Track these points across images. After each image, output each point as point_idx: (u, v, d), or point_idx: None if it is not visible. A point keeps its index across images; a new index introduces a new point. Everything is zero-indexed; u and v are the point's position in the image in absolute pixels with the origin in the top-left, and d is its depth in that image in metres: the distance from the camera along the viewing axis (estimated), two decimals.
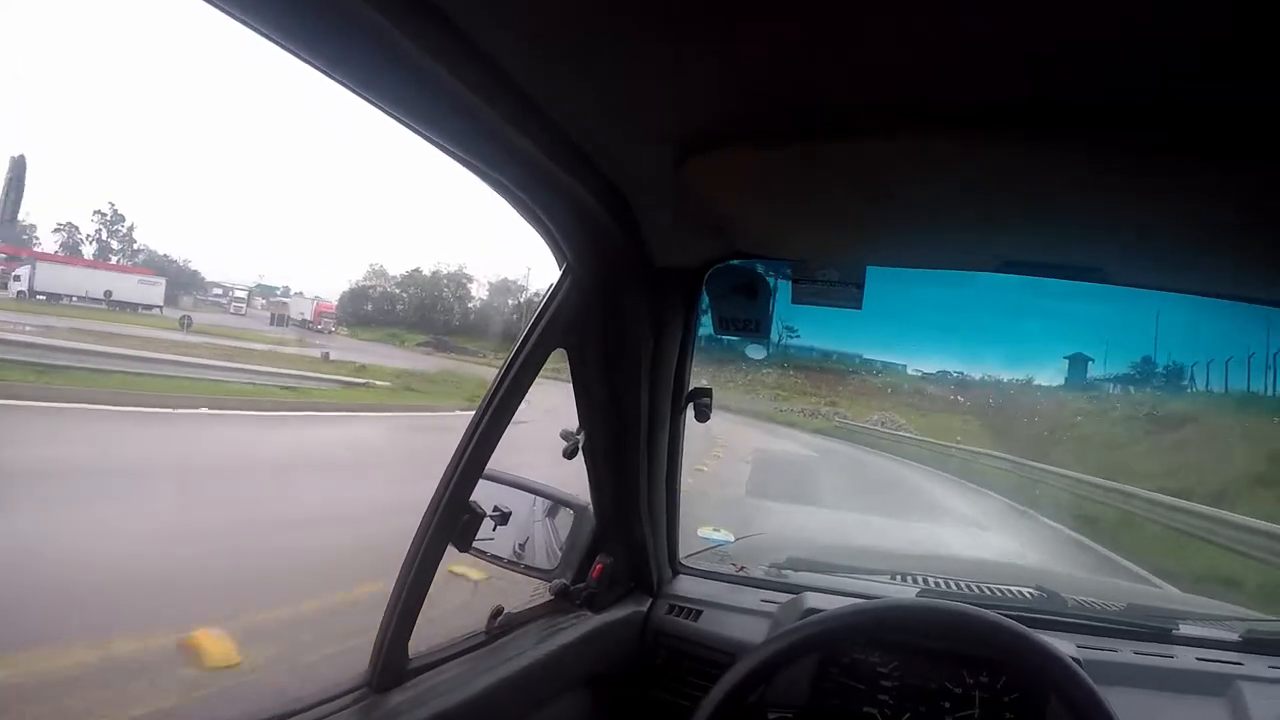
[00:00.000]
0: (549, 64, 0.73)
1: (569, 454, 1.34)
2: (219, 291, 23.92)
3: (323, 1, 0.57)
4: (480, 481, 1.18)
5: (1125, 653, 1.44)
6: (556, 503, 1.55)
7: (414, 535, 1.12)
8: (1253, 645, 1.48)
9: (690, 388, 1.49)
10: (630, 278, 1.27)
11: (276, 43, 0.61)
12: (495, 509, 1.30)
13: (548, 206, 1.05)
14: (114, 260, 21.91)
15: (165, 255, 23.19)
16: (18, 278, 18.79)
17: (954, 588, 1.73)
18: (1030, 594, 1.69)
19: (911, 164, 0.87)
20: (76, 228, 21.99)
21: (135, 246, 22.92)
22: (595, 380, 1.36)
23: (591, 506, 1.52)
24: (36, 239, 21.20)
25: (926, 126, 0.77)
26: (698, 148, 0.89)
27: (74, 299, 18.64)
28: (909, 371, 12.54)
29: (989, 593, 1.72)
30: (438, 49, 0.65)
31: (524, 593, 1.53)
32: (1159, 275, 1.19)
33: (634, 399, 1.40)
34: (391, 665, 1.09)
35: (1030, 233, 1.06)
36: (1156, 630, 1.51)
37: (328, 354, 15.81)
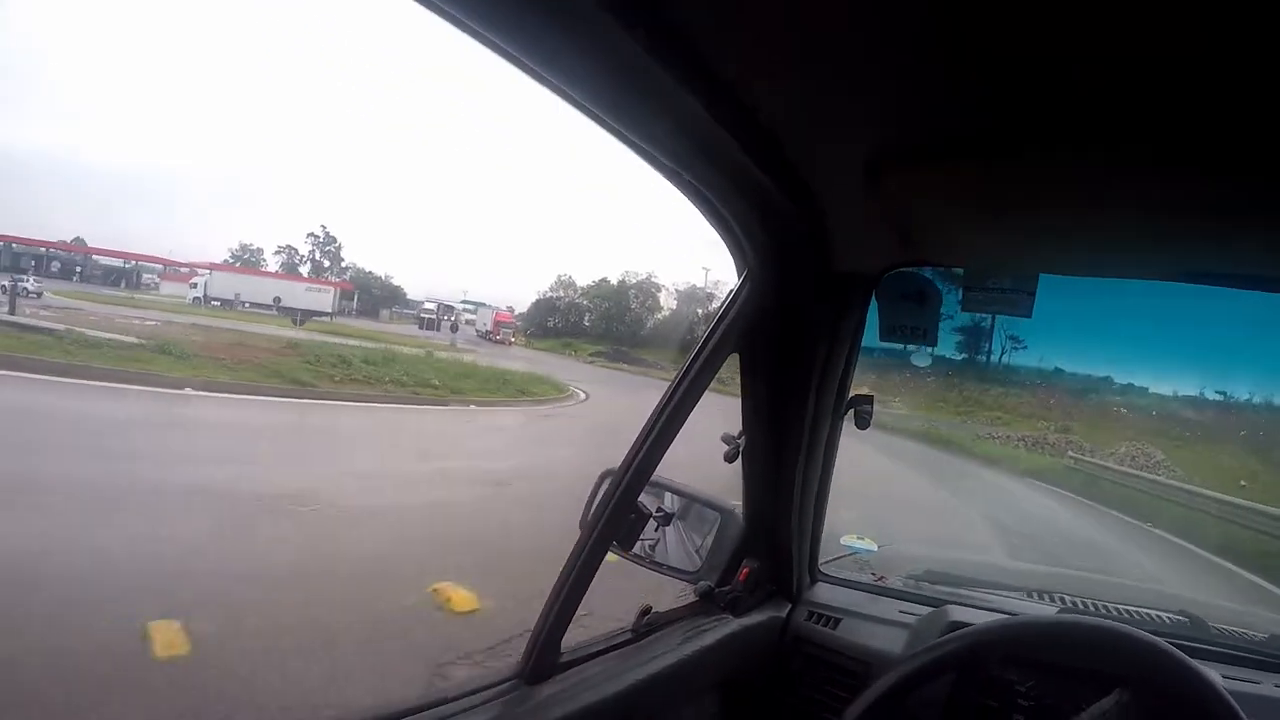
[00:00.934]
0: (756, 59, 0.74)
1: (729, 457, 1.36)
2: (430, 306, 26.42)
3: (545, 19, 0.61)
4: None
5: (1268, 685, 1.37)
6: (704, 505, 1.57)
7: (579, 535, 1.17)
8: None
9: (851, 394, 1.48)
10: (809, 281, 1.28)
11: (477, 34, 0.64)
12: (659, 510, 1.33)
13: (733, 205, 1.07)
14: (329, 277, 25.35)
15: (369, 272, 26.87)
16: (194, 285, 21.58)
17: (1093, 608, 1.67)
18: (1172, 618, 1.61)
19: (1092, 180, 0.87)
20: (295, 249, 25.88)
21: (343, 264, 26.47)
22: (764, 384, 1.36)
23: (740, 510, 1.53)
24: (263, 260, 25.48)
25: (1107, 144, 0.77)
26: (889, 154, 0.90)
27: (246, 305, 20.84)
28: (1152, 392, 8.80)
29: (1130, 615, 1.64)
30: (643, 37, 0.66)
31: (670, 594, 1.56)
32: None
33: (800, 404, 1.40)
34: (545, 658, 1.13)
35: (1215, 245, 1.02)
36: None
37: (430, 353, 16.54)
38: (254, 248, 25.44)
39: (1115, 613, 1.65)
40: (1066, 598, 1.70)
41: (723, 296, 1.24)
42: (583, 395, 16.24)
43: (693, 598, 1.50)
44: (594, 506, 1.22)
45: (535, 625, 1.14)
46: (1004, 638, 1.22)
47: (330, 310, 21.82)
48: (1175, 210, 0.92)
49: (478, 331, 24.53)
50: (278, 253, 25.68)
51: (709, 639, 1.42)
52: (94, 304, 15.85)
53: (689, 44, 0.69)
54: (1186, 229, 0.98)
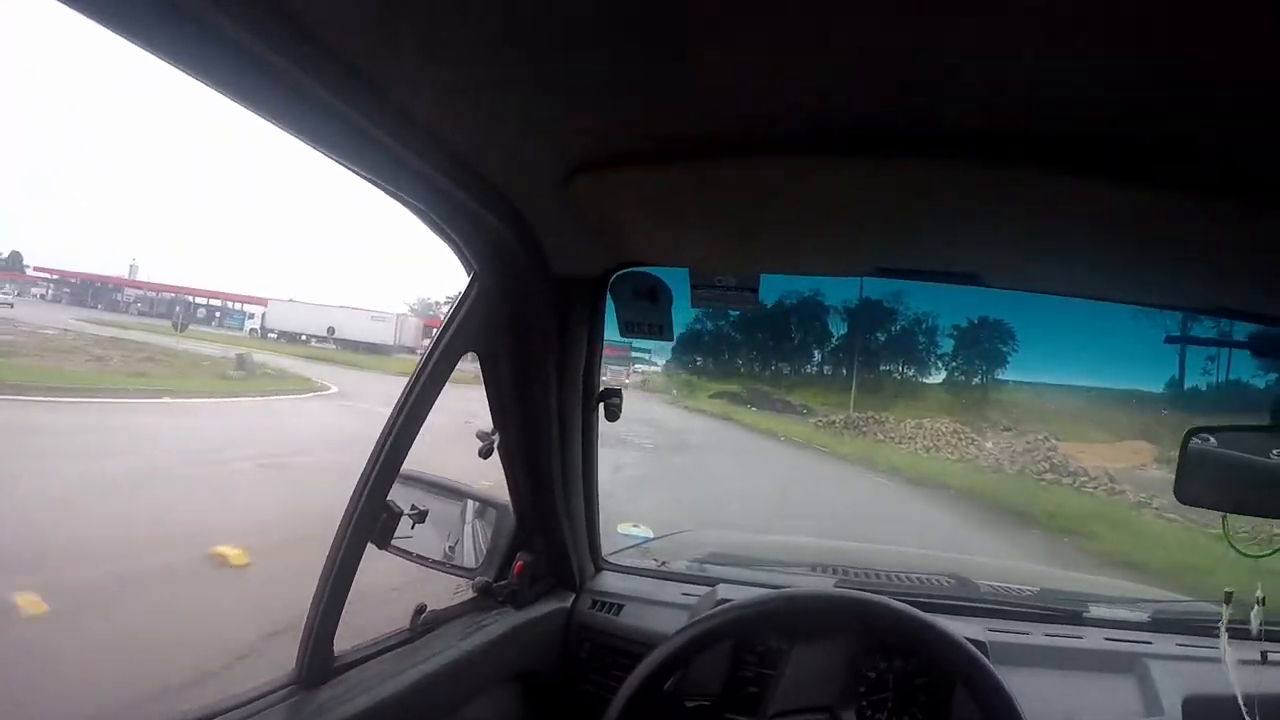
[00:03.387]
0: (436, 89, 0.78)
1: (484, 454, 1.39)
2: None
3: (238, 46, 0.63)
4: (399, 482, 1.22)
5: (1036, 635, 1.51)
6: (477, 502, 1.59)
7: (335, 534, 1.15)
8: (1161, 625, 1.56)
9: (600, 389, 1.55)
10: (533, 285, 1.32)
11: (213, 86, 0.66)
12: (413, 507, 1.34)
13: (450, 220, 1.11)
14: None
15: None
16: (251, 316, 19.85)
17: (870, 578, 1.81)
18: (944, 581, 1.77)
19: (787, 181, 0.92)
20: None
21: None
22: (506, 383, 1.40)
23: (511, 505, 1.56)
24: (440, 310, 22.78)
25: (798, 147, 0.83)
26: (585, 165, 0.95)
27: (305, 337, 19.72)
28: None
29: (904, 581, 1.79)
30: (330, 79, 0.71)
31: (446, 591, 1.58)
32: (1030, 279, 1.27)
33: (544, 400, 1.44)
34: (318, 661, 1.11)
35: (903, 242, 1.13)
36: (1067, 613, 1.59)
37: None
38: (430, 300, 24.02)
39: (890, 580, 1.80)
40: (847, 570, 1.83)
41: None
42: None
43: (472, 594, 1.51)
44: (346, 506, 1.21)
45: (304, 627, 1.12)
46: (756, 613, 1.28)
47: (391, 341, 19.93)
48: (859, 209, 0.98)
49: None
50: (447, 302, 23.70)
51: (491, 633, 1.43)
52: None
53: (357, 74, 0.74)
54: (874, 227, 1.06)
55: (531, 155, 0.96)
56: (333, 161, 0.87)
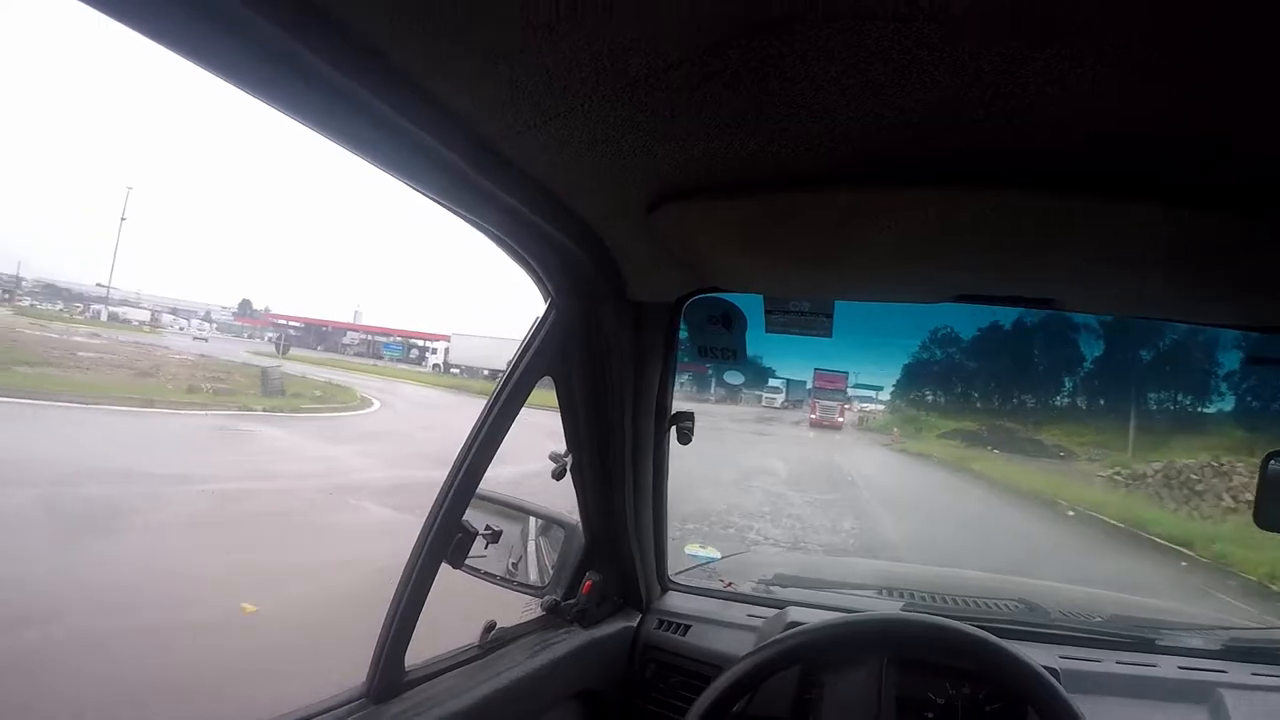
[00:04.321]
0: (524, 124, 0.80)
1: (557, 475, 1.41)
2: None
3: (328, 83, 0.65)
4: (473, 502, 1.24)
5: (1108, 663, 1.46)
6: (548, 521, 1.61)
7: (410, 553, 1.18)
8: (1235, 653, 1.50)
9: (673, 412, 1.55)
10: (609, 310, 1.34)
11: (286, 112, 0.68)
12: (487, 528, 1.37)
13: (530, 248, 1.13)
14: None
15: None
16: (434, 351, 19.78)
17: (938, 602, 1.76)
18: (1014, 606, 1.73)
19: (866, 211, 0.92)
20: None
21: None
22: (580, 405, 1.41)
23: (581, 525, 1.57)
24: None
25: (877, 179, 0.84)
26: (668, 195, 0.96)
27: (486, 372, 19.61)
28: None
29: (973, 606, 1.75)
30: (419, 116, 0.74)
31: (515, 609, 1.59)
32: (1104, 303, 1.27)
33: (618, 423, 1.45)
34: (388, 677, 1.14)
35: (983, 270, 1.12)
36: (1139, 640, 1.54)
37: None
38: None
39: (958, 604, 1.76)
40: (915, 594, 1.79)
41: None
42: None
43: (540, 612, 1.53)
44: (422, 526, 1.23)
45: (376, 644, 1.14)
46: (828, 637, 1.28)
47: None
48: (938, 239, 0.98)
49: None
50: None
51: (558, 651, 1.44)
52: None
53: (447, 113, 0.76)
54: (952, 256, 1.06)
55: (617, 186, 0.97)
56: (418, 193, 0.90)
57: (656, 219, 1.01)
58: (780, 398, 16.36)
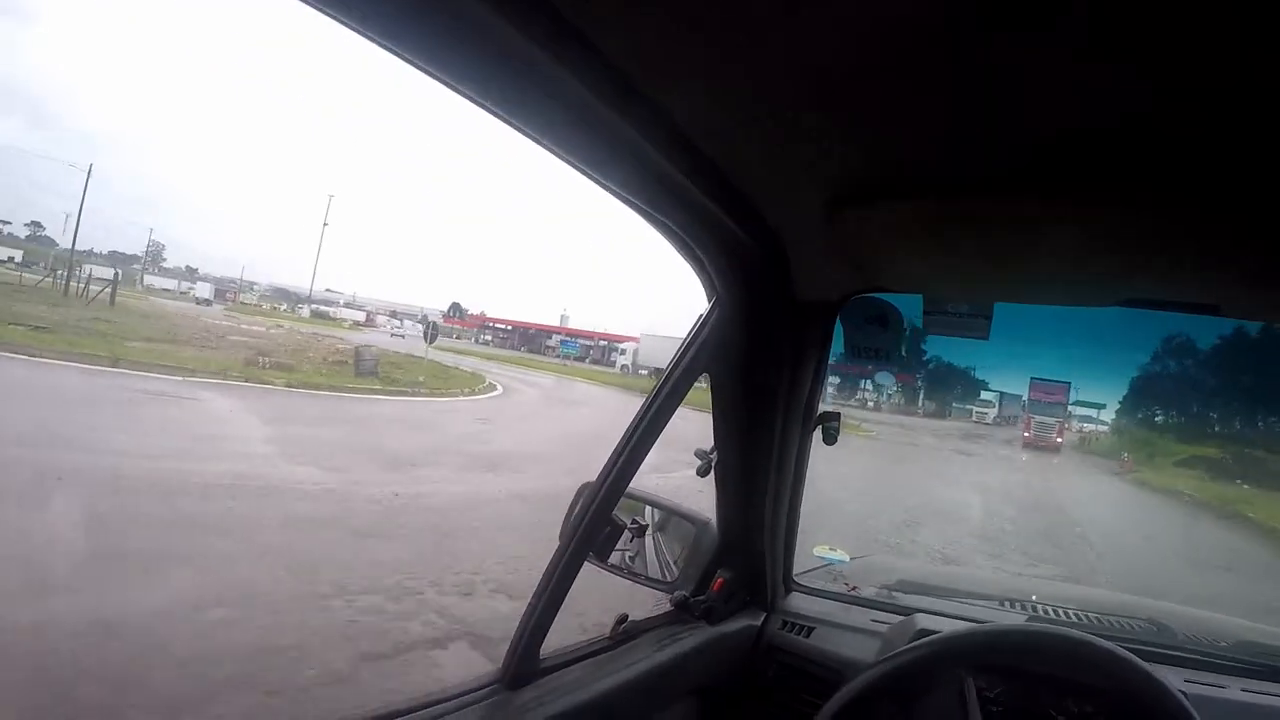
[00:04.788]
0: (721, 124, 0.81)
1: (702, 472, 1.41)
2: None
3: (515, 69, 0.65)
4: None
5: (1234, 690, 1.40)
6: (680, 517, 1.61)
7: (557, 545, 1.20)
8: None
9: (820, 412, 1.53)
10: (773, 310, 1.34)
11: (468, 97, 0.69)
12: (634, 521, 1.38)
13: (705, 245, 1.13)
14: None
15: None
16: (622, 352, 21.34)
17: (1063, 616, 1.70)
18: (1140, 625, 1.66)
19: (1035, 215, 0.93)
20: None
21: None
22: (733, 404, 1.41)
23: (715, 522, 1.57)
24: None
25: (1051, 185, 0.84)
26: (846, 198, 0.96)
27: (645, 371, 20.30)
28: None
29: (1098, 622, 1.69)
30: (624, 109, 0.74)
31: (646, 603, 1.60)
32: (1267, 310, 1.24)
33: (768, 423, 1.45)
34: (524, 665, 1.17)
35: (1149, 275, 1.09)
36: (1269, 669, 1.46)
37: None
38: None
39: (1083, 620, 1.69)
40: (1038, 606, 1.73)
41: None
42: None
43: (669, 607, 1.54)
44: (571, 518, 1.25)
45: (515, 632, 1.17)
46: (969, 645, 1.26)
47: None
48: (1111, 243, 0.97)
49: None
50: None
51: (684, 646, 1.45)
52: None
53: (652, 105, 0.76)
54: (1123, 260, 1.04)
55: (797, 183, 0.97)
56: (607, 189, 0.90)
57: (835, 219, 1.01)
58: (992, 413, 14.85)
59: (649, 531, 1.65)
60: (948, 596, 1.83)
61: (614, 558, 1.45)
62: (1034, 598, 1.81)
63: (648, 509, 1.65)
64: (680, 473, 1.81)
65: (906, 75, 0.68)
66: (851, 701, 1.20)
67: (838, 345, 1.46)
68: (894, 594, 1.79)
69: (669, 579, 1.58)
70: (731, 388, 1.40)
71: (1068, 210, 0.91)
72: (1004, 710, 1.32)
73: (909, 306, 1.36)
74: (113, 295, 18.81)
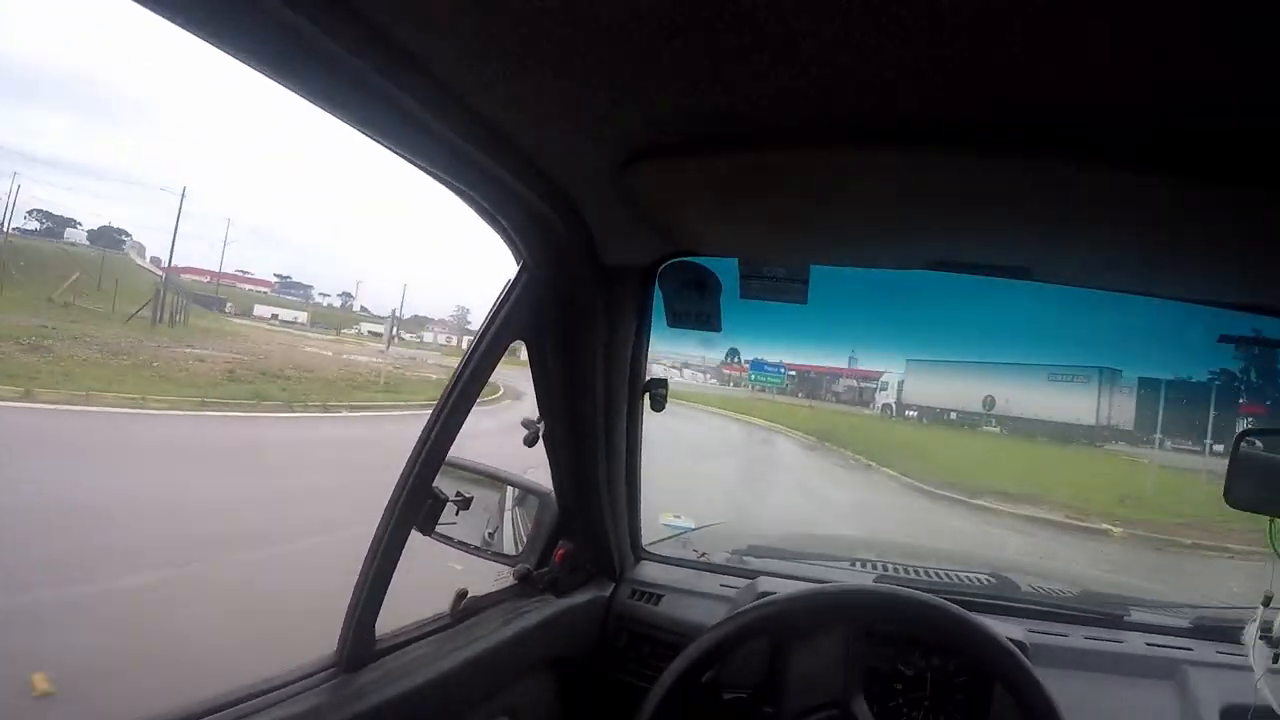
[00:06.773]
0: (492, 75, 0.78)
1: (529, 441, 1.39)
2: None
3: (289, 28, 0.63)
4: (444, 469, 1.22)
5: (1076, 638, 1.49)
6: (520, 490, 1.60)
7: (379, 520, 1.16)
8: (1202, 631, 1.53)
9: (647, 378, 1.54)
10: (582, 274, 1.32)
11: (261, 70, 0.67)
12: (458, 494, 1.35)
13: (501, 207, 1.11)
14: None
15: None
16: (884, 388, 18.16)
17: (910, 574, 1.79)
18: (984, 580, 1.74)
19: (840, 173, 0.92)
20: None
21: None
22: (553, 371, 1.40)
23: (554, 493, 1.56)
24: None
25: (852, 139, 0.82)
26: (640, 154, 0.94)
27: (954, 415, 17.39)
28: None
29: (944, 578, 1.77)
30: (385, 67, 0.71)
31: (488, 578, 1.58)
32: (1082, 274, 1.25)
33: (590, 389, 1.44)
34: (360, 645, 1.12)
35: (958, 235, 1.11)
36: (1107, 616, 1.57)
37: None
38: None
39: (929, 576, 1.78)
40: (886, 565, 1.81)
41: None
42: None
43: (512, 581, 1.52)
44: (392, 491, 1.21)
45: (346, 613, 1.13)
46: (798, 607, 1.28)
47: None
48: (918, 201, 0.97)
49: None
50: None
51: (530, 620, 1.44)
52: None
53: (414, 60, 0.73)
54: (930, 219, 1.05)
55: (587, 142, 0.95)
56: (386, 149, 0.87)
57: (628, 178, 0.99)
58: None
59: (508, 507, 1.63)
60: (797, 559, 1.90)
61: (452, 532, 1.42)
62: (881, 557, 1.90)
63: (508, 487, 1.63)
64: None
65: (684, 20, 0.64)
66: (692, 665, 1.22)
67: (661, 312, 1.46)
68: (744, 559, 1.84)
69: (513, 553, 1.57)
70: (549, 355, 1.38)
71: (863, 166, 0.89)
72: (852, 666, 1.32)
73: (726, 271, 1.37)
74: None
